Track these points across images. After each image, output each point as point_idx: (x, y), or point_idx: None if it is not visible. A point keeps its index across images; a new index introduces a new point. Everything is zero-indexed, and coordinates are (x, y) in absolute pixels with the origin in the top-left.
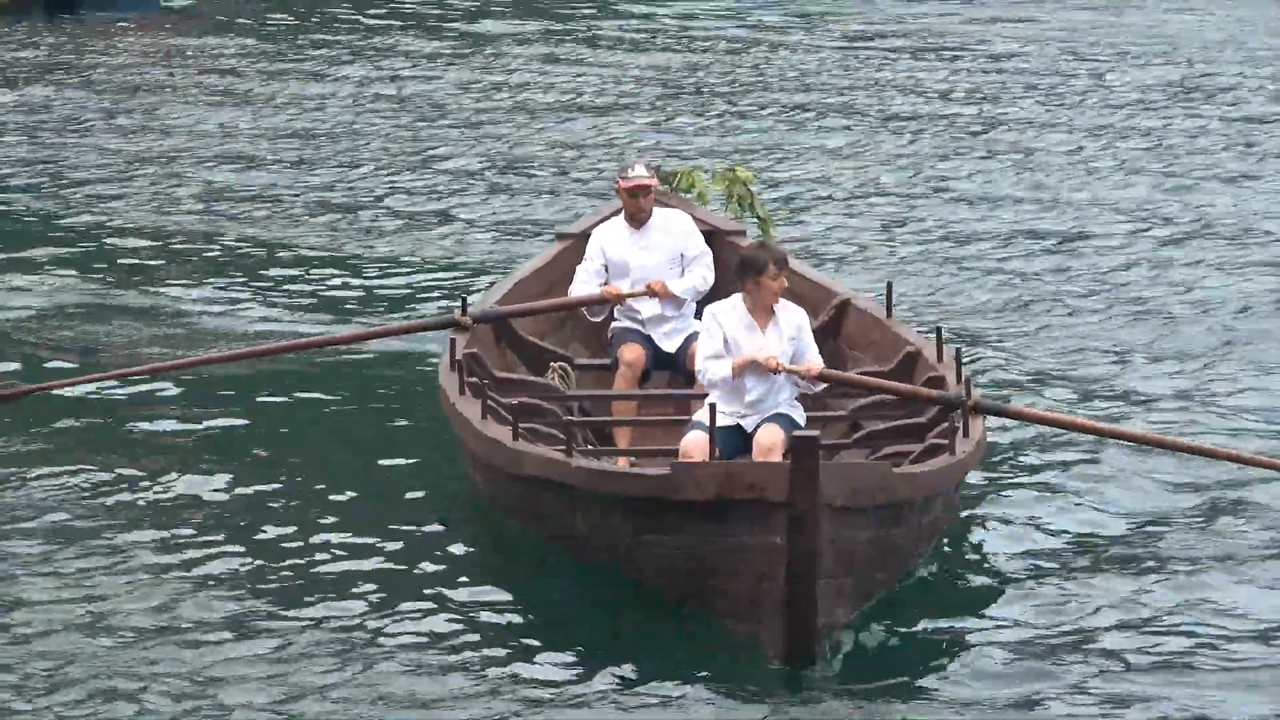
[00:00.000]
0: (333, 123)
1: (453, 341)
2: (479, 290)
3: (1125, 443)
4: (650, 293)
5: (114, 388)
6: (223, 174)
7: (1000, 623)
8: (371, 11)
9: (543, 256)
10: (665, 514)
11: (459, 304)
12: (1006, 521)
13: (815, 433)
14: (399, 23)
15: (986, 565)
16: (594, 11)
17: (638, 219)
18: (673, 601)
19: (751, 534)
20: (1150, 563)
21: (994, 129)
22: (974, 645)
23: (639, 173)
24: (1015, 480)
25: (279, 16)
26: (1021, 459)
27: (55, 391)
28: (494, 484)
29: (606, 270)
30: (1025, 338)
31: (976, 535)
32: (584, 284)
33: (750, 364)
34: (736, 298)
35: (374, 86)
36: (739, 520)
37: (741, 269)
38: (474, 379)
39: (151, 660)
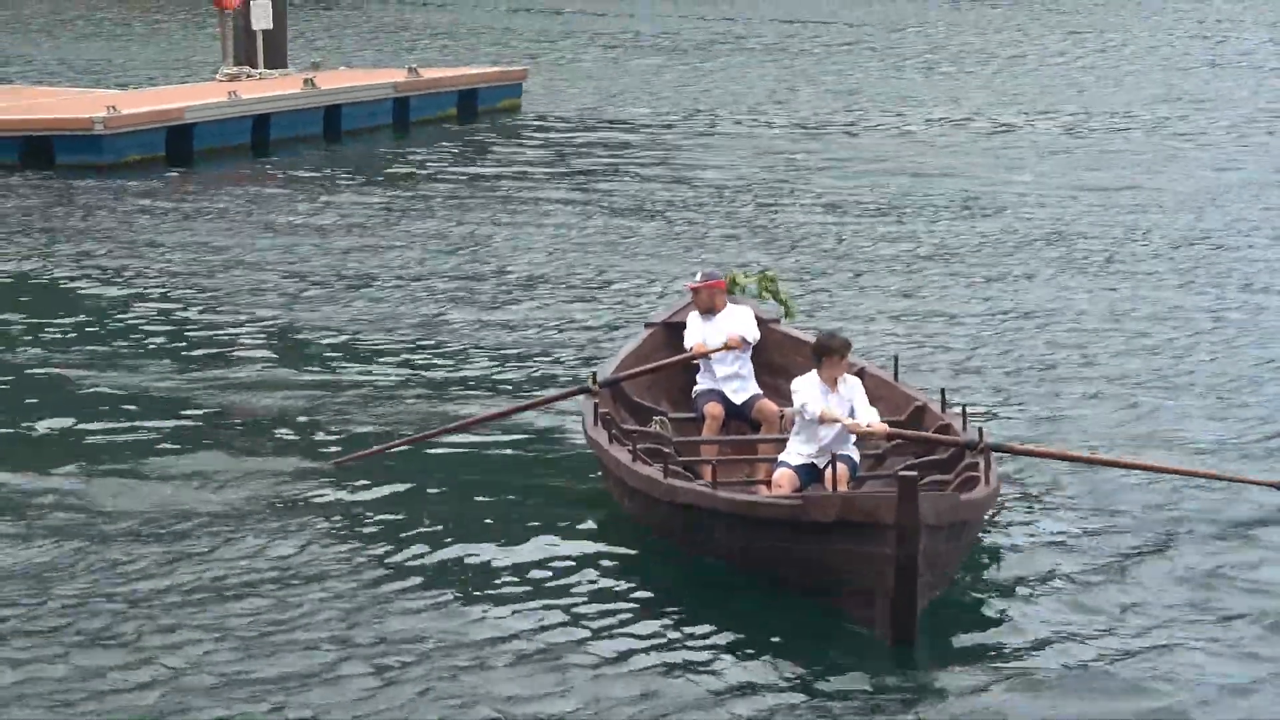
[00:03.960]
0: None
1: (593, 405)
2: (593, 368)
3: (1104, 467)
4: (726, 346)
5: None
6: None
7: (1023, 607)
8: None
9: (636, 339)
10: (799, 531)
11: (588, 377)
12: (1015, 534)
13: (915, 473)
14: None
15: (1009, 567)
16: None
17: (706, 310)
18: (803, 597)
19: (869, 546)
20: (1140, 566)
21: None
22: (1007, 623)
23: (708, 276)
24: (1017, 503)
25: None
26: (1019, 487)
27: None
28: (648, 510)
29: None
30: (1007, 396)
31: (998, 544)
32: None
33: (833, 418)
34: (814, 373)
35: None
36: (859, 537)
37: (819, 350)
38: (617, 430)
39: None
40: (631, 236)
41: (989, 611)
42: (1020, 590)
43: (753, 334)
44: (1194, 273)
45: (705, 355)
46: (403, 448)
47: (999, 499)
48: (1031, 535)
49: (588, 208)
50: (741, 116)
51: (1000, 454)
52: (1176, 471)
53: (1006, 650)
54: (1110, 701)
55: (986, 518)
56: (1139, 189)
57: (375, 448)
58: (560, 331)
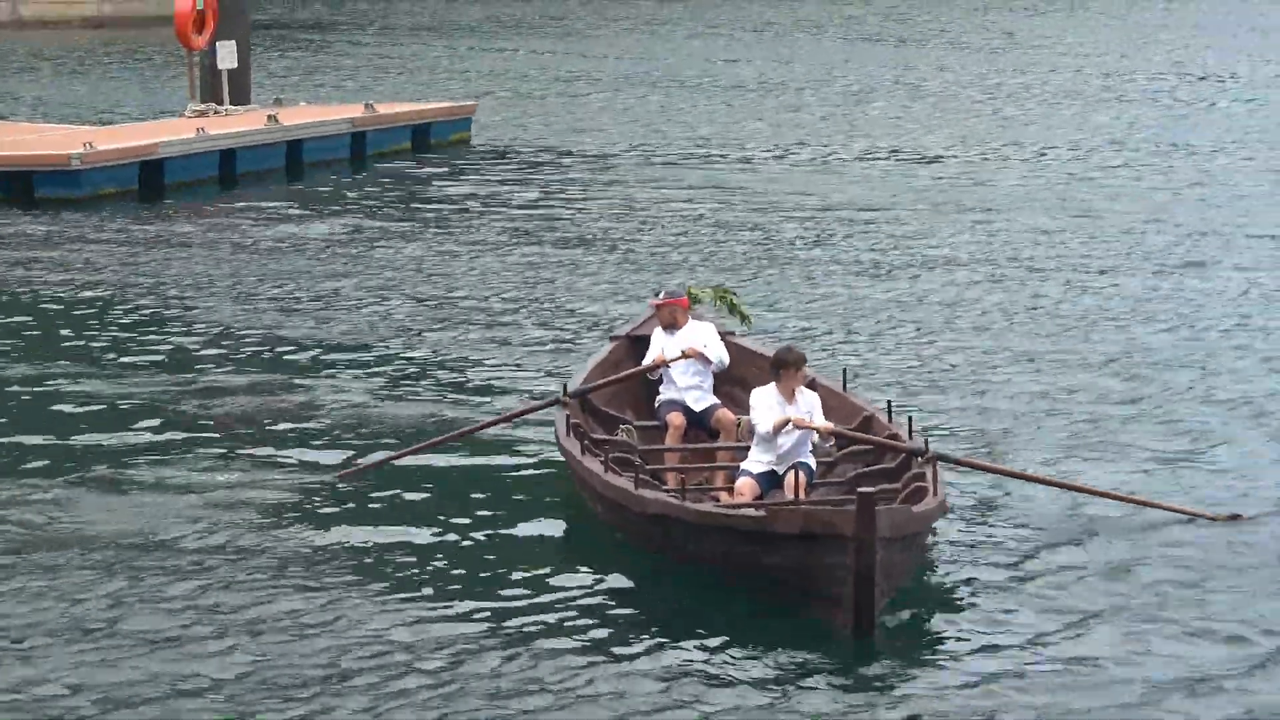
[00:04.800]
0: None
1: (565, 415)
2: (560, 381)
3: (1043, 485)
4: (684, 355)
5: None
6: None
7: (968, 603)
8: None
9: (601, 352)
10: (763, 541)
11: (559, 389)
12: (959, 540)
13: (874, 489)
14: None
15: (954, 572)
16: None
17: (668, 325)
18: (768, 597)
19: (831, 556)
20: (1062, 572)
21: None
22: (952, 620)
23: (671, 293)
24: (961, 511)
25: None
26: (963, 495)
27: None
28: (620, 518)
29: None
30: (950, 408)
31: (944, 550)
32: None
33: (785, 421)
34: (772, 385)
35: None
36: (822, 548)
37: (777, 364)
38: (588, 440)
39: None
40: (584, 257)
41: (937, 612)
42: (963, 592)
43: (720, 354)
44: (1141, 290)
45: (665, 364)
46: (387, 463)
47: (946, 506)
48: (972, 541)
49: (538, 233)
50: (683, 148)
51: (945, 463)
52: (1108, 496)
53: (954, 647)
54: (1045, 695)
55: (935, 526)
56: (1081, 209)
57: (361, 464)
58: (525, 348)
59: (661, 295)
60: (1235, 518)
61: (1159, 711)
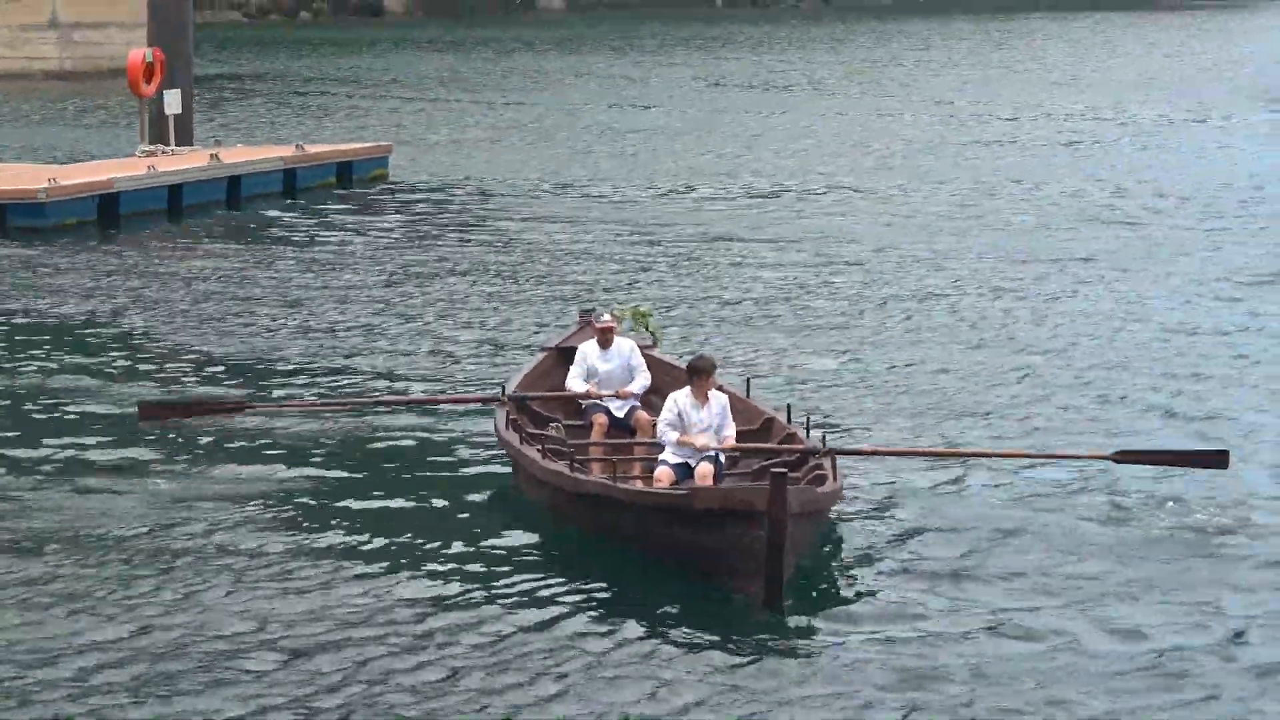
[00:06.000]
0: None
1: (504, 413)
2: (498, 380)
3: (927, 458)
4: (617, 396)
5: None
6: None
7: (864, 576)
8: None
9: (534, 361)
10: (687, 517)
11: (498, 389)
12: (854, 525)
13: (785, 470)
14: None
15: (851, 548)
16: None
17: (604, 343)
18: (687, 572)
19: (746, 530)
20: (954, 546)
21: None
22: (851, 590)
23: (607, 319)
24: (857, 495)
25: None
26: (859, 480)
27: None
28: (555, 499)
29: (588, 371)
30: (841, 406)
31: (842, 530)
32: (577, 378)
33: (689, 444)
34: (687, 388)
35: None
36: (739, 523)
37: (691, 370)
38: (526, 433)
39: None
40: (493, 279)
41: (838, 581)
42: (860, 567)
43: (643, 384)
44: (1003, 287)
45: (599, 398)
46: (327, 411)
47: (843, 492)
48: (866, 522)
49: (451, 260)
50: (585, 185)
51: (841, 455)
52: (997, 455)
53: (854, 612)
54: (936, 651)
55: (834, 508)
56: (946, 222)
57: (292, 402)
58: (454, 361)
59: (604, 319)
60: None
61: (1045, 663)
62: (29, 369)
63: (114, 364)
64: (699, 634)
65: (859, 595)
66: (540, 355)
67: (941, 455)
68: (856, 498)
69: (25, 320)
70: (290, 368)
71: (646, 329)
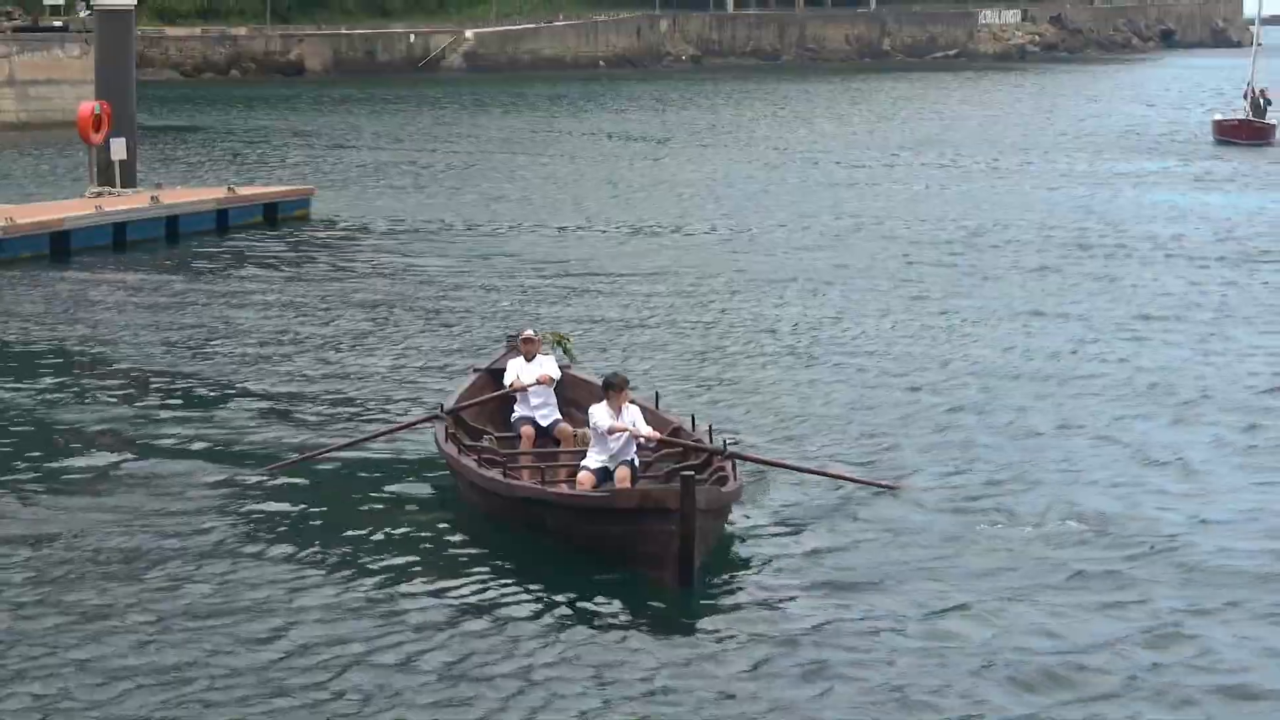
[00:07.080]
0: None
1: (443, 427)
2: (435, 401)
3: (801, 474)
4: (537, 382)
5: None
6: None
7: (760, 561)
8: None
9: (466, 380)
10: (608, 515)
11: (436, 407)
12: (752, 521)
13: (693, 473)
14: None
15: (750, 543)
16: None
17: (528, 357)
18: (610, 563)
19: (661, 525)
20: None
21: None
22: (752, 572)
23: (529, 334)
24: (754, 496)
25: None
26: (755, 483)
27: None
28: (491, 503)
29: (516, 377)
30: (737, 417)
31: (740, 526)
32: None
33: (622, 428)
34: (604, 402)
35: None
36: (654, 518)
37: (607, 385)
38: (463, 445)
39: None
40: (417, 309)
41: (740, 571)
42: (757, 557)
43: (555, 374)
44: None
45: (524, 389)
46: (296, 464)
47: (742, 492)
48: (762, 519)
49: (375, 291)
50: (488, 222)
51: (740, 460)
52: (855, 480)
53: (755, 596)
54: (819, 621)
55: (736, 505)
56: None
57: (274, 465)
58: (396, 381)
59: (534, 334)
60: (896, 487)
61: (910, 640)
62: None
63: (64, 384)
64: (623, 614)
65: (759, 580)
66: (473, 376)
67: (813, 473)
68: (752, 497)
69: None
70: (230, 391)
71: (565, 351)
